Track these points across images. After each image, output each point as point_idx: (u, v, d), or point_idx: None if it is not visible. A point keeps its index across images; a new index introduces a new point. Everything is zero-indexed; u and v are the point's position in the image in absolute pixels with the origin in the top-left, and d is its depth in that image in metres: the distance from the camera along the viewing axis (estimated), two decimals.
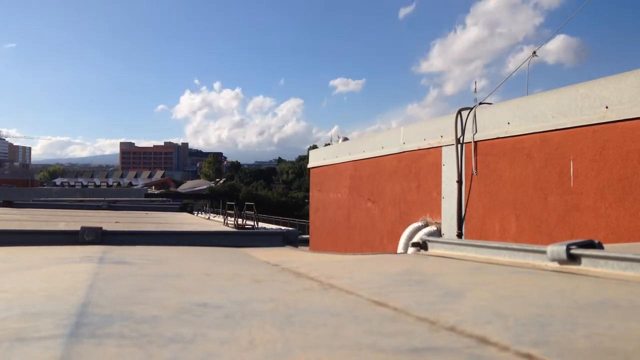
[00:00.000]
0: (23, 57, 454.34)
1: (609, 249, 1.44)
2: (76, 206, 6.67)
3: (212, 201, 44.81)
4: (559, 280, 1.27)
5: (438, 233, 4.88)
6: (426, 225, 5.07)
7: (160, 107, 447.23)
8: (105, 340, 0.70)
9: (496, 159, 4.22)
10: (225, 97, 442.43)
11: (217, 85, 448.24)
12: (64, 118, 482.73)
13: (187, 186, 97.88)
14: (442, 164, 4.90)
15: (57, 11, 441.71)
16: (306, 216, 12.60)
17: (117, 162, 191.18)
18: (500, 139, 4.15)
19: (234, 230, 4.49)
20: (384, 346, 0.69)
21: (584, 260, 1.40)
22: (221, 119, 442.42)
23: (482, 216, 4.37)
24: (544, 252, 1.49)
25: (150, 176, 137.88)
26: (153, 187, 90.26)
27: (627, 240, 3.01)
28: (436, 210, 5.00)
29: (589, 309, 0.92)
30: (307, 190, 9.86)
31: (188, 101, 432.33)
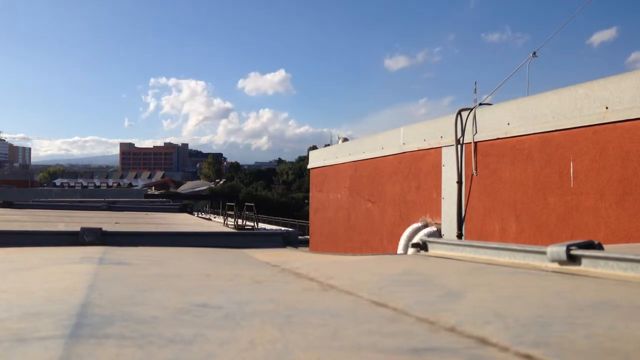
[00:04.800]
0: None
1: (609, 249, 1.44)
2: (76, 207, 6.66)
3: (212, 202, 44.78)
4: (559, 281, 1.27)
5: (438, 234, 4.88)
6: (426, 225, 5.07)
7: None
8: (105, 341, 0.70)
9: (496, 159, 4.22)
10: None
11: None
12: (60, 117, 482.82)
13: (187, 187, 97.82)
14: (442, 164, 4.90)
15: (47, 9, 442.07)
16: (306, 217, 12.60)
17: (117, 162, 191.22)
18: (500, 140, 4.15)
19: (234, 231, 4.49)
20: (384, 347, 0.69)
21: (584, 260, 1.40)
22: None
23: (482, 217, 4.37)
24: (543, 253, 1.49)
25: (150, 177, 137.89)
26: (153, 187, 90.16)
27: (627, 241, 3.01)
28: (436, 211, 5.00)
29: (589, 310, 0.92)
30: (307, 191, 9.87)
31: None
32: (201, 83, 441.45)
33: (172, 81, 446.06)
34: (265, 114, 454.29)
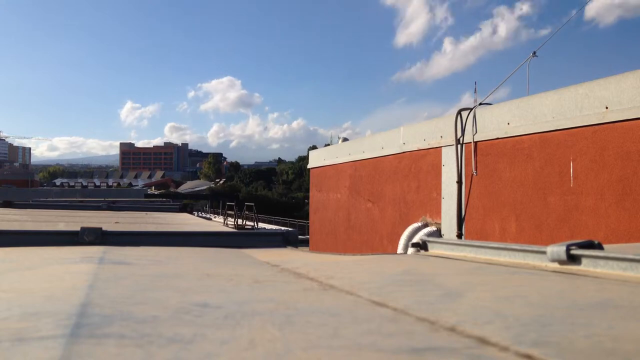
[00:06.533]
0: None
1: (609, 249, 1.44)
2: (76, 206, 6.67)
3: (212, 201, 44.76)
4: (559, 281, 1.27)
5: (438, 233, 4.88)
6: (426, 225, 5.07)
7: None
8: (105, 340, 0.70)
9: (496, 159, 4.22)
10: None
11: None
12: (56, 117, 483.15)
13: (187, 186, 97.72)
14: (442, 164, 4.90)
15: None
16: (306, 216, 12.60)
17: (116, 162, 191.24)
18: (500, 140, 4.15)
19: (234, 230, 4.49)
20: (383, 346, 0.69)
21: (584, 260, 1.40)
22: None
23: (482, 216, 4.37)
24: (543, 253, 1.49)
25: (150, 177, 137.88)
26: (153, 187, 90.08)
27: (627, 241, 3.01)
28: (436, 211, 5.00)
29: (589, 310, 0.92)
30: (307, 190, 9.87)
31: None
32: (206, 78, 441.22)
33: (171, 80, 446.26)
34: (266, 112, 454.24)
